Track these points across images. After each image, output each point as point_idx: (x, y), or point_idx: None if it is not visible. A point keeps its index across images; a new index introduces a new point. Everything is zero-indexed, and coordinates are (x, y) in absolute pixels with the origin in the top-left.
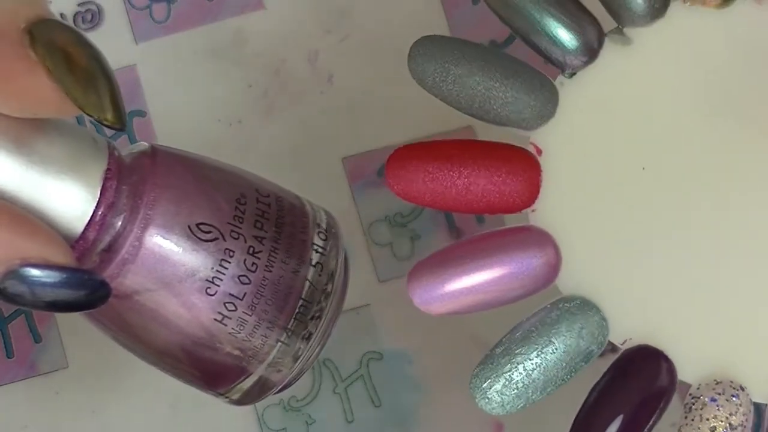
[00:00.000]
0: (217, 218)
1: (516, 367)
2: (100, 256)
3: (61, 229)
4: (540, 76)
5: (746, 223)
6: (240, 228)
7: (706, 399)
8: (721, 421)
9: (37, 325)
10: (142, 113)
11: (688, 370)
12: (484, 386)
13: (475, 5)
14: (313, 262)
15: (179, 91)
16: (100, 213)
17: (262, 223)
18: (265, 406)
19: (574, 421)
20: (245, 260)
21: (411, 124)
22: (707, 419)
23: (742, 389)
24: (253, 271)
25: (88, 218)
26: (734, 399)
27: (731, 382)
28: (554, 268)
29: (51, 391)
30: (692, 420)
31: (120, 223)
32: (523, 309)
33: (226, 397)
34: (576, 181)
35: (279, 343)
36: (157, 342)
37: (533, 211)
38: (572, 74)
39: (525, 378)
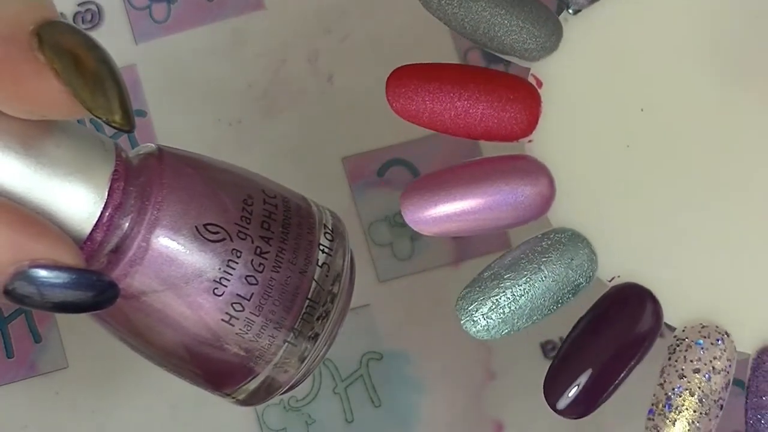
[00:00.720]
0: (225, 219)
1: (504, 291)
2: (107, 258)
3: (69, 231)
4: (546, 8)
5: (741, 171)
6: (247, 229)
7: (691, 341)
8: (705, 364)
9: (37, 325)
10: (142, 113)
11: (674, 314)
12: (470, 308)
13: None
14: (320, 263)
15: (179, 91)
16: (107, 214)
17: (269, 224)
18: (265, 406)
19: (557, 354)
20: (252, 261)
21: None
22: (691, 361)
23: (727, 335)
24: (261, 272)
25: (96, 219)
26: (719, 343)
27: (717, 327)
28: (547, 199)
29: (51, 391)
30: (675, 361)
31: (127, 224)
32: None
33: (233, 398)
34: (574, 117)
35: (286, 344)
36: (164, 343)
37: (530, 141)
38: (577, 11)
39: (512, 303)
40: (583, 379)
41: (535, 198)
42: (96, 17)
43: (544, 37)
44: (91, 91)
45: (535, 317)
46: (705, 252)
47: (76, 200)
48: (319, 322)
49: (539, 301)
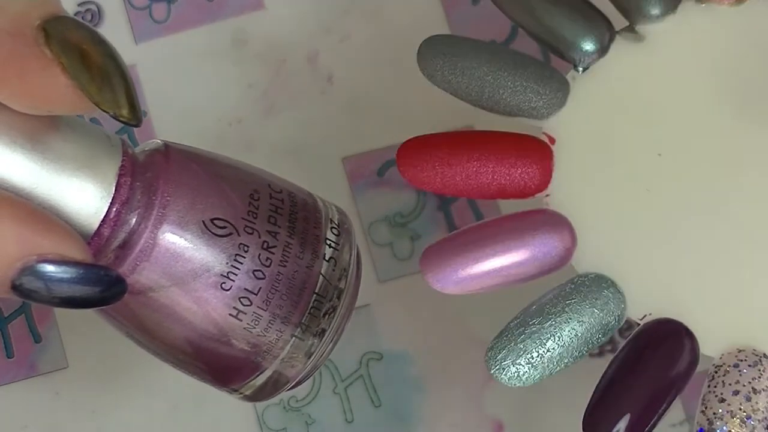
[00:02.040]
0: (231, 213)
1: (530, 337)
2: (114, 253)
3: (76, 226)
4: (548, 66)
5: (759, 199)
6: (254, 223)
7: (729, 366)
8: (744, 386)
9: (37, 325)
10: (142, 113)
11: (710, 344)
12: (498, 358)
13: (475, 5)
14: (327, 257)
15: (179, 91)
16: (114, 210)
17: (275, 218)
18: (265, 406)
19: (594, 392)
20: (260, 255)
21: (411, 124)
22: (729, 384)
23: (766, 357)
24: (268, 266)
25: (103, 215)
26: (758, 365)
27: (754, 349)
28: (569, 250)
29: (51, 391)
30: (715, 387)
31: (134, 219)
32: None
33: (240, 393)
34: (591, 167)
35: (293, 338)
36: (171, 338)
37: (547, 196)
38: (585, 69)
39: (539, 347)
40: (624, 423)
41: (558, 249)
42: (96, 17)
43: (549, 94)
44: (98, 86)
45: (566, 360)
46: (733, 283)
47: (83, 195)
48: (326, 317)
49: (568, 345)
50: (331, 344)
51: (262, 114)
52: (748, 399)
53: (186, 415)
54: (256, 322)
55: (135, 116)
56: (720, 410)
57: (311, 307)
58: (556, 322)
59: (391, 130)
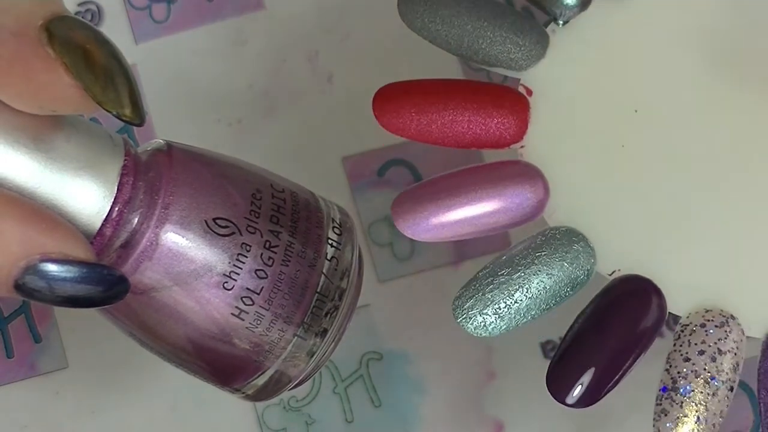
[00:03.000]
0: (234, 213)
1: (498, 287)
2: (117, 253)
3: (78, 226)
4: (528, 18)
5: (734, 160)
6: (256, 223)
7: (695, 326)
8: (709, 346)
9: (37, 325)
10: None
11: (678, 304)
12: (465, 307)
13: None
14: (329, 257)
15: (179, 91)
16: (117, 209)
17: (277, 218)
18: (265, 406)
19: (560, 346)
20: (262, 254)
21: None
22: (695, 344)
23: (733, 318)
24: (270, 266)
25: (105, 214)
26: (723, 326)
27: (721, 310)
28: (542, 202)
29: (51, 391)
30: (680, 346)
31: (137, 219)
32: None
33: (242, 393)
34: (567, 121)
35: (296, 337)
36: (173, 338)
37: (522, 147)
38: (565, 22)
39: (507, 299)
40: (588, 376)
41: (530, 201)
42: (96, 17)
43: (528, 46)
44: (102, 85)
45: (533, 312)
46: (704, 242)
47: (86, 195)
48: (328, 317)
49: (536, 297)
50: (333, 344)
51: (262, 114)
52: (714, 360)
53: (186, 415)
54: (258, 322)
55: (138, 116)
56: (684, 369)
57: (313, 307)
58: (525, 274)
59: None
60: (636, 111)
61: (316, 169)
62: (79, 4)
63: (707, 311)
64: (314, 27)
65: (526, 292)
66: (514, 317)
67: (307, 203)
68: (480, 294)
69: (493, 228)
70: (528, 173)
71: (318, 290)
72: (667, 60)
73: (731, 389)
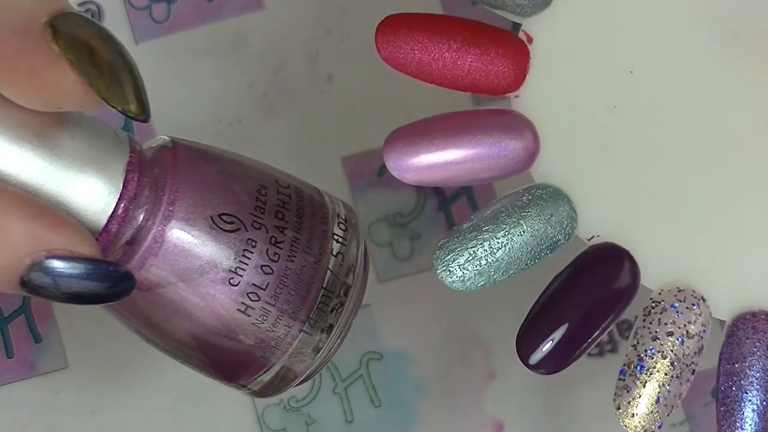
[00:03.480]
0: (239, 209)
1: (481, 243)
2: (122, 250)
3: (84, 223)
4: None
5: (723, 136)
6: (261, 218)
7: (667, 304)
8: (679, 327)
9: (37, 325)
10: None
11: (653, 277)
12: (446, 258)
13: (475, 6)
14: (334, 252)
15: (179, 91)
16: (122, 206)
17: (283, 214)
18: (265, 406)
19: (531, 308)
20: (267, 250)
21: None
22: (665, 323)
23: (704, 300)
24: (276, 261)
25: (111, 211)
26: (694, 308)
27: (693, 291)
28: (531, 154)
29: (51, 391)
30: (650, 323)
31: (142, 215)
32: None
33: (248, 389)
34: (563, 75)
35: (302, 333)
36: (179, 334)
37: (517, 96)
38: None
39: (489, 255)
40: (557, 335)
41: (519, 152)
42: (96, 17)
43: None
44: (106, 81)
45: (511, 271)
46: (686, 217)
47: (91, 191)
48: (333, 313)
49: (516, 255)
50: (338, 340)
51: (262, 114)
52: (682, 342)
53: (186, 415)
54: (264, 317)
55: (143, 111)
56: (651, 348)
57: (319, 302)
58: (509, 233)
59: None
60: (631, 72)
61: (316, 169)
62: (79, 4)
63: (679, 290)
64: (314, 27)
65: (509, 250)
66: (493, 275)
67: (312, 199)
68: (462, 248)
69: (480, 177)
70: (520, 124)
71: (324, 285)
72: (667, 24)
73: (693, 372)
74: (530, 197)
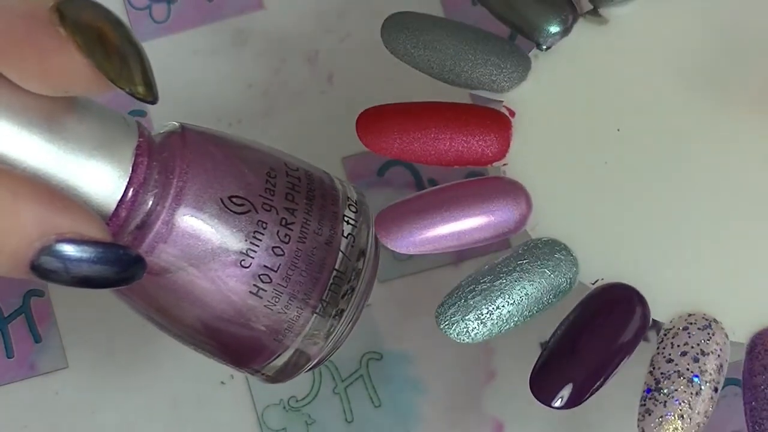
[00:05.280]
0: (249, 191)
1: (480, 294)
2: (132, 235)
3: (93, 207)
4: (509, 42)
5: (713, 170)
6: (271, 200)
7: (678, 329)
8: (692, 347)
9: (37, 325)
10: (142, 113)
11: (661, 311)
12: (449, 314)
13: (475, 6)
14: (345, 234)
15: (179, 91)
16: (131, 190)
17: (293, 196)
18: (265, 406)
19: (544, 350)
20: (278, 232)
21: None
22: (678, 345)
23: (716, 321)
24: (287, 243)
25: (120, 195)
26: (707, 329)
27: (704, 314)
28: (525, 217)
29: (51, 391)
30: (663, 348)
31: (152, 200)
32: None
33: (262, 374)
34: (548, 140)
35: (314, 315)
36: (191, 320)
37: (505, 165)
38: (548, 48)
39: (489, 305)
40: (576, 378)
41: (513, 216)
42: None
43: (510, 68)
44: (114, 63)
45: (516, 319)
46: (686, 251)
47: (101, 176)
48: (345, 298)
49: (518, 303)
50: (350, 325)
51: (262, 114)
52: (696, 360)
53: (186, 415)
54: (277, 300)
55: (151, 93)
56: (667, 370)
57: (331, 284)
58: (506, 281)
59: None
60: (618, 130)
61: None
62: None
63: (690, 315)
64: (314, 27)
65: (508, 298)
66: (497, 323)
67: (321, 182)
68: (462, 301)
69: (477, 242)
70: (511, 189)
71: (335, 267)
72: (648, 82)
73: (716, 390)
74: (526, 248)
